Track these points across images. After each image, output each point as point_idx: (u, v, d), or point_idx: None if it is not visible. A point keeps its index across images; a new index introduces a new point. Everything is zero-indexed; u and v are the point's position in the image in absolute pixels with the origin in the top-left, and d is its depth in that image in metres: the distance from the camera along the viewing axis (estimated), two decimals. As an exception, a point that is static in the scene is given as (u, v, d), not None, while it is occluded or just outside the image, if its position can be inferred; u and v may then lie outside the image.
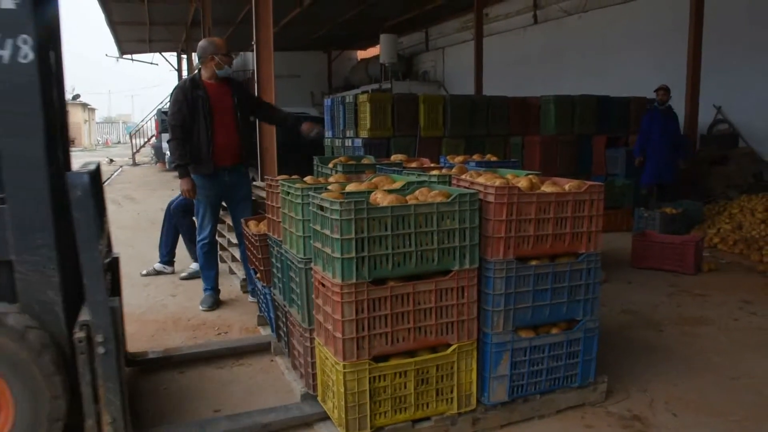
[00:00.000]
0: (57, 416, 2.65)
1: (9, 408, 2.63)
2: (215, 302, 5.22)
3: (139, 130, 30.89)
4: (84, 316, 2.71)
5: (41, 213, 2.64)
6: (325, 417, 3.10)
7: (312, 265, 3.07)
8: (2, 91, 2.57)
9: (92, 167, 2.95)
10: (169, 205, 6.26)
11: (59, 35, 2.77)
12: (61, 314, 2.71)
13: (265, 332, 4.37)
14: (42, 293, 2.67)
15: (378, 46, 19.70)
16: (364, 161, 4.44)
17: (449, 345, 2.99)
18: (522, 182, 3.17)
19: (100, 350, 2.65)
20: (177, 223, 6.22)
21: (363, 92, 9.76)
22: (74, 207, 2.65)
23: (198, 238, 5.10)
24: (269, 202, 3.70)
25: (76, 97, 46.17)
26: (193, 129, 4.76)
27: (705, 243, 7.19)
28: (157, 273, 6.31)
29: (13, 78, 2.56)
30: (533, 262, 3.10)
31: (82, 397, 2.69)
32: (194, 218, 5.18)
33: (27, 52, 2.55)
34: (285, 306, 3.59)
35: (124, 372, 2.76)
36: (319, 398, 3.18)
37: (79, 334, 2.64)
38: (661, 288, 5.76)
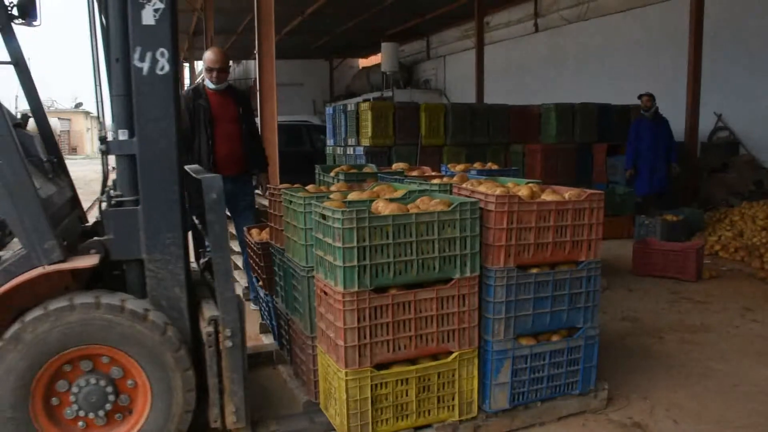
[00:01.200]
0: (188, 408, 2.79)
1: (146, 404, 2.77)
2: (218, 310, 5.22)
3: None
4: (210, 311, 2.83)
5: (172, 213, 2.81)
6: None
7: (314, 273, 3.09)
8: (141, 101, 2.74)
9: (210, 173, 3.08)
10: None
11: (177, 47, 2.90)
12: (185, 310, 2.86)
13: (268, 340, 4.39)
14: (170, 290, 2.83)
15: (379, 55, 19.75)
16: (366, 170, 4.46)
17: (450, 352, 3.01)
18: (522, 191, 3.20)
19: (228, 344, 2.76)
20: None
21: (364, 100, 9.80)
22: (208, 209, 2.79)
23: None
24: (271, 211, 3.72)
25: (78, 105, 46.32)
26: (194, 138, 4.79)
27: (706, 250, 7.19)
28: None
29: (151, 88, 2.74)
30: (534, 270, 3.12)
31: (207, 389, 2.82)
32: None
33: (164, 65, 2.73)
34: (287, 314, 3.61)
35: (246, 365, 2.87)
36: (321, 406, 3.19)
37: (208, 329, 2.76)
38: (662, 295, 5.77)
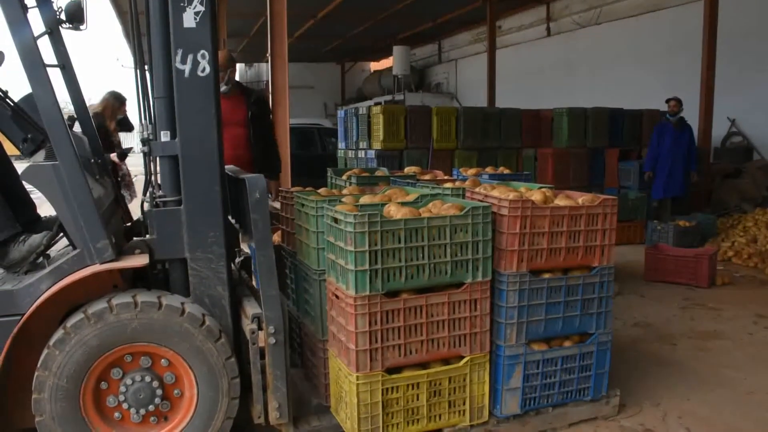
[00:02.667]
0: (230, 416, 2.87)
1: (186, 415, 2.84)
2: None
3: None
4: (253, 308, 2.88)
5: (214, 212, 2.86)
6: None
7: (326, 276, 3.09)
8: (183, 102, 2.79)
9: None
10: None
11: (217, 49, 2.98)
12: (227, 307, 2.91)
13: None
14: (212, 288, 2.88)
15: (391, 58, 19.78)
16: (378, 173, 4.46)
17: (462, 357, 3.00)
18: (535, 195, 3.19)
19: (271, 341, 2.82)
20: None
21: (376, 104, 9.77)
22: (252, 209, 2.86)
23: None
24: (283, 214, 3.72)
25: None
26: None
27: (719, 256, 7.15)
28: None
29: (192, 90, 2.78)
30: (546, 275, 3.11)
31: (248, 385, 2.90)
32: None
33: (205, 66, 2.78)
34: (298, 317, 3.62)
35: (288, 361, 2.92)
36: (332, 409, 3.19)
37: (251, 326, 2.81)
38: (675, 301, 5.74)
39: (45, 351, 2.65)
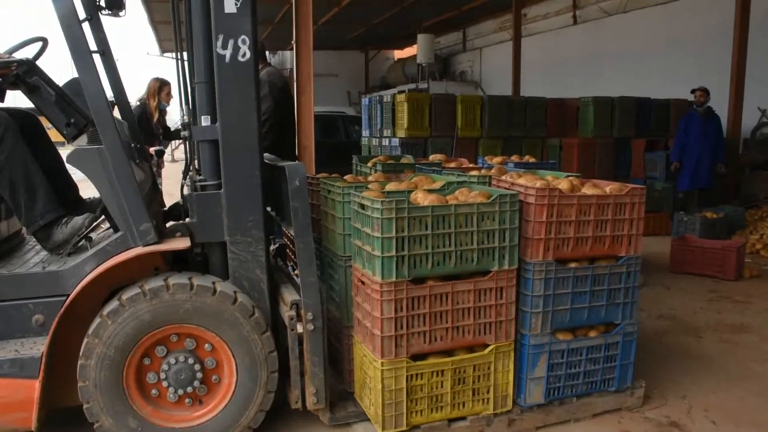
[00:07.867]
0: (265, 407, 2.93)
1: (227, 395, 2.90)
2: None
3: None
4: (291, 295, 2.95)
5: (253, 196, 2.91)
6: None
7: (352, 262, 3.10)
8: (223, 87, 2.83)
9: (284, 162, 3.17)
10: None
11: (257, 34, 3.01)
12: (266, 291, 2.97)
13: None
14: (251, 271, 2.94)
15: (415, 46, 19.66)
16: (404, 161, 4.46)
17: (486, 345, 3.00)
18: (563, 184, 3.17)
19: (309, 327, 2.87)
20: None
21: (400, 92, 9.70)
22: (292, 196, 2.89)
23: None
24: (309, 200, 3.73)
25: (117, 94, 46.94)
26: None
27: (747, 249, 7.04)
28: None
29: (232, 75, 2.83)
30: (572, 265, 3.09)
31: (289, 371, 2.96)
32: None
33: (245, 51, 2.82)
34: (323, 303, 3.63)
35: (326, 347, 2.96)
36: (356, 395, 3.21)
37: (290, 313, 2.87)
38: (701, 294, 5.67)
39: (97, 319, 2.72)
